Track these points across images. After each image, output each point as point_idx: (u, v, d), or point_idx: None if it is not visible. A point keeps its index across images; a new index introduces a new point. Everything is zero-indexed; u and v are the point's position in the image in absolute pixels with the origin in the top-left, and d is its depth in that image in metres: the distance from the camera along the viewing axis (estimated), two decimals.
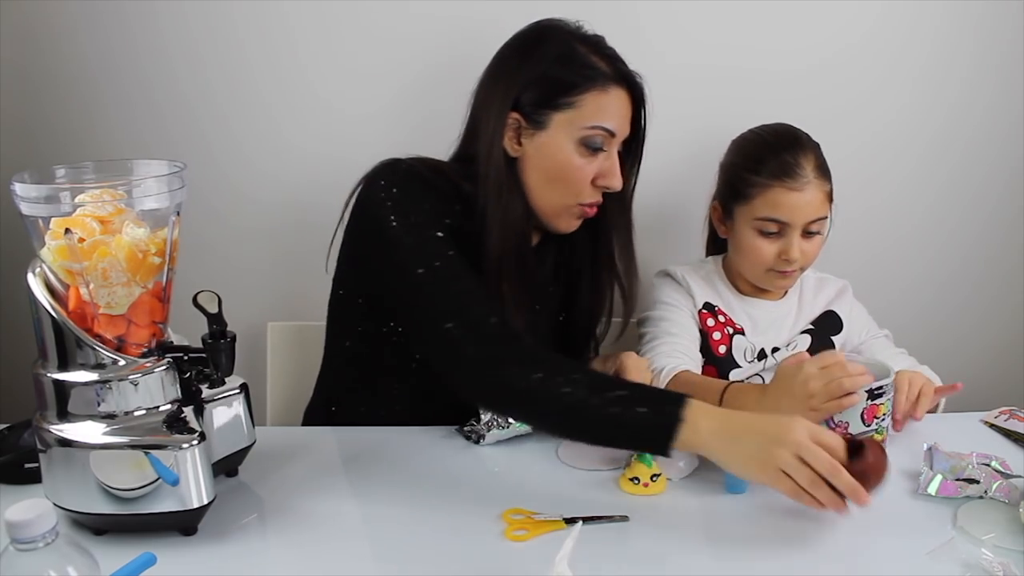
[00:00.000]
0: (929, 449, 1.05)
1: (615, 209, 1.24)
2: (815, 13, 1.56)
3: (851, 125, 1.62)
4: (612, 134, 1.14)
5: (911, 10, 1.56)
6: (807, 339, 1.38)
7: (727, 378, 1.34)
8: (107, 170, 0.98)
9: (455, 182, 1.16)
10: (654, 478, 1.03)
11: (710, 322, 1.37)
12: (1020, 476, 1.02)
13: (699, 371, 1.33)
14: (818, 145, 1.32)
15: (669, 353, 1.29)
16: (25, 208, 0.90)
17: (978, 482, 1.00)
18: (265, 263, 1.65)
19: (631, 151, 1.22)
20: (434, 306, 1.03)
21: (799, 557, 0.93)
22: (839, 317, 1.40)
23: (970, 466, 1.02)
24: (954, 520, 0.97)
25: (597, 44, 1.16)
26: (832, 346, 1.39)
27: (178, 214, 0.96)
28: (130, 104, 1.58)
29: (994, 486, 0.99)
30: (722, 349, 1.37)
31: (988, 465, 1.02)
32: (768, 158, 1.30)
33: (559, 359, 1.00)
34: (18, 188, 0.89)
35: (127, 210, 0.92)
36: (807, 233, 1.30)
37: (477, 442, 1.15)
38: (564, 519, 0.97)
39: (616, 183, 1.17)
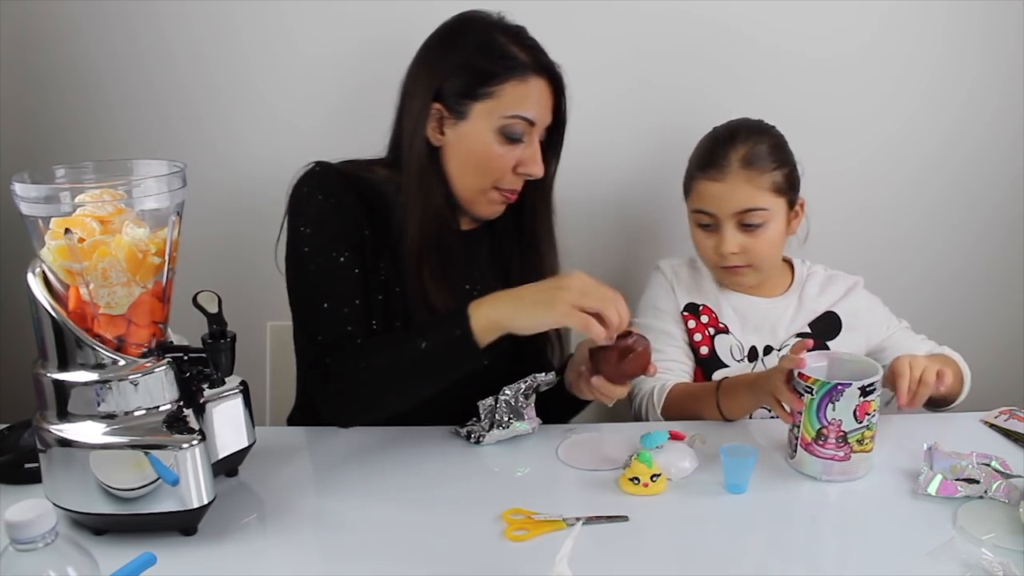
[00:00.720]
0: (929, 449, 1.05)
1: (536, 196, 1.27)
2: (827, 14, 1.56)
3: (854, 128, 1.62)
4: (532, 123, 1.17)
5: (919, 11, 1.56)
6: None
7: (711, 379, 1.35)
8: (107, 170, 0.98)
9: (374, 184, 1.20)
10: (654, 478, 1.03)
11: (691, 324, 1.38)
12: (1020, 476, 1.02)
13: (691, 374, 1.35)
14: (767, 136, 1.30)
15: (659, 369, 1.30)
16: (25, 208, 0.90)
17: (978, 482, 1.00)
18: (265, 263, 1.65)
19: (553, 139, 1.24)
20: (299, 319, 1.17)
21: (799, 557, 0.93)
22: (839, 320, 1.38)
23: (970, 466, 1.02)
24: (954, 520, 0.97)
25: (517, 34, 1.18)
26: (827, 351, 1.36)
27: (178, 214, 0.96)
28: (130, 104, 1.58)
29: (994, 486, 0.99)
30: (704, 350, 1.37)
31: (988, 465, 1.02)
32: (701, 152, 1.33)
33: (371, 341, 1.13)
34: (18, 188, 0.89)
35: (127, 210, 0.92)
36: (745, 226, 1.29)
37: (477, 442, 1.15)
38: (564, 519, 0.97)
39: (537, 170, 1.19)
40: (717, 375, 1.35)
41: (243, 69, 1.56)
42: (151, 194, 0.92)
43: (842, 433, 1.02)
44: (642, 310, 1.42)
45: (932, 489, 1.01)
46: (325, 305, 1.15)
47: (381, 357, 1.09)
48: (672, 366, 1.34)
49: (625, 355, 1.05)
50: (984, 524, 0.95)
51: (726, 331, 1.37)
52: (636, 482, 1.03)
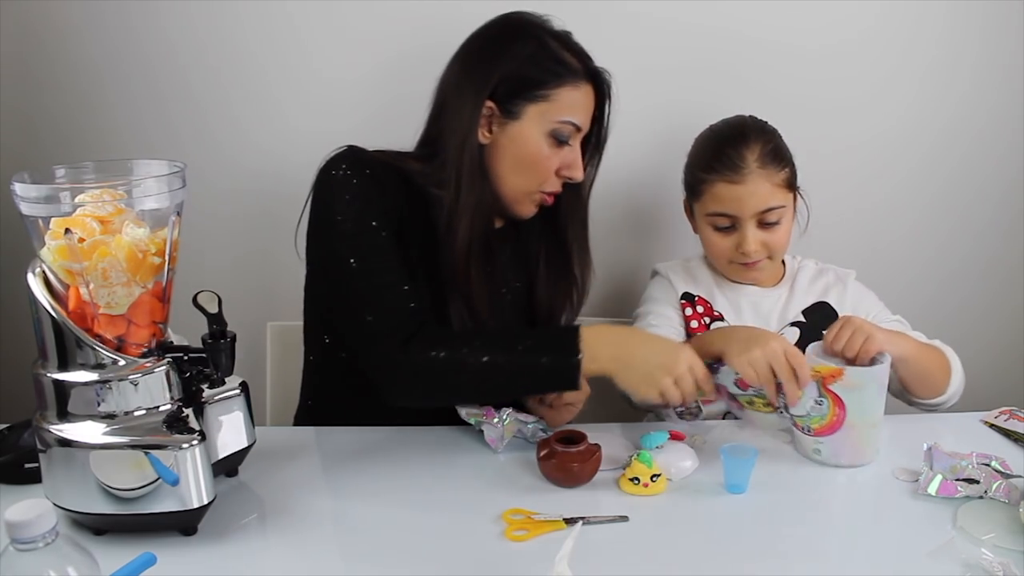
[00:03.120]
0: (929, 449, 1.05)
1: (572, 203, 1.28)
2: (824, 11, 1.56)
3: (852, 122, 1.62)
4: (578, 128, 1.19)
5: (915, 6, 1.56)
6: (795, 332, 1.36)
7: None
8: (107, 170, 0.98)
9: (409, 175, 1.19)
10: (654, 478, 1.03)
11: (687, 311, 1.38)
12: (1020, 476, 1.02)
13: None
14: (772, 134, 1.31)
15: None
16: (25, 208, 0.90)
17: (978, 482, 1.00)
18: (265, 263, 1.65)
19: (592, 145, 1.26)
20: (358, 298, 1.10)
21: (799, 557, 0.93)
22: (832, 310, 1.37)
23: (970, 466, 1.02)
24: (954, 520, 0.97)
25: (566, 40, 1.20)
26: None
27: (178, 214, 0.96)
28: (130, 104, 1.58)
29: (994, 486, 0.99)
30: None
31: (988, 465, 1.02)
32: (711, 153, 1.32)
33: (459, 332, 1.14)
34: (18, 188, 0.89)
35: (127, 210, 0.92)
36: (765, 224, 1.29)
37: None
38: (564, 519, 0.97)
39: (578, 174, 1.21)
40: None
41: (244, 69, 1.56)
42: (151, 194, 0.92)
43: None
44: (642, 303, 1.44)
45: (932, 489, 1.01)
46: (390, 278, 1.11)
47: (482, 351, 1.05)
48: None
49: (583, 459, 1.05)
50: (984, 524, 0.95)
51: (721, 319, 1.38)
52: (636, 482, 1.03)
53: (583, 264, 1.32)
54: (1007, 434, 1.19)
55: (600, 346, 1.06)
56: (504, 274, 1.29)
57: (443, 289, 1.18)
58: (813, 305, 1.38)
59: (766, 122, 1.34)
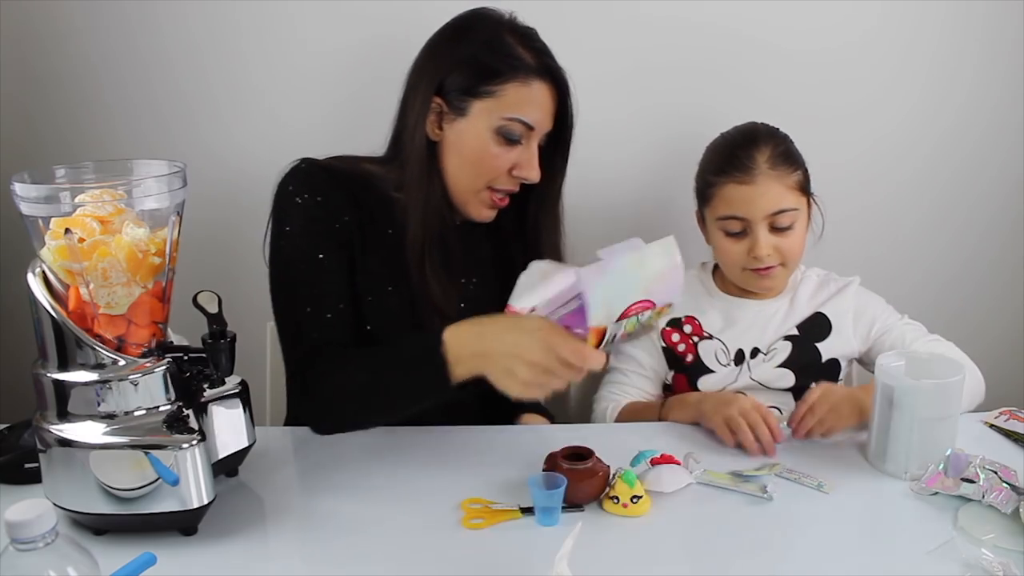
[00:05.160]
0: (951, 454, 1.04)
1: (541, 208, 1.26)
2: (825, 12, 1.56)
3: (853, 125, 1.62)
4: (530, 127, 1.15)
5: (916, 8, 1.56)
6: (788, 346, 1.35)
7: (696, 385, 1.36)
8: (107, 170, 0.98)
9: (364, 180, 1.19)
10: (635, 499, 0.99)
11: (674, 337, 1.39)
12: (1018, 487, 1.01)
13: (655, 391, 1.40)
14: (783, 139, 1.31)
15: (617, 392, 1.39)
16: (25, 208, 0.90)
17: (974, 482, 1.00)
18: (265, 263, 1.65)
19: (558, 147, 1.22)
20: (279, 325, 1.17)
21: (799, 557, 0.93)
22: (828, 321, 1.36)
23: (972, 465, 1.02)
24: (954, 520, 0.97)
25: (526, 36, 1.17)
26: (816, 353, 1.35)
27: (178, 214, 0.96)
28: (130, 104, 1.58)
29: (993, 494, 0.99)
30: (689, 358, 1.37)
31: (994, 472, 1.01)
32: (721, 157, 1.32)
33: (342, 356, 1.11)
34: (18, 188, 0.89)
35: (127, 210, 0.92)
36: (776, 228, 1.28)
37: None
38: (520, 508, 0.99)
39: (532, 175, 1.18)
40: (701, 381, 1.36)
41: (243, 69, 1.56)
42: (151, 194, 0.92)
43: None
44: None
45: (927, 480, 1.02)
46: (308, 309, 1.14)
47: (358, 374, 1.08)
48: (632, 391, 1.39)
49: (584, 478, 1.00)
50: (984, 524, 0.95)
51: (710, 338, 1.37)
52: (616, 501, 1.00)
53: None
54: (1007, 435, 1.19)
55: (461, 347, 1.00)
56: (474, 268, 1.27)
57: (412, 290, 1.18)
58: (808, 317, 1.37)
59: (777, 128, 1.34)
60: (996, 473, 1.01)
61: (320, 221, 1.15)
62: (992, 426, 1.22)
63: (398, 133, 1.22)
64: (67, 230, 0.88)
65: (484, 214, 1.22)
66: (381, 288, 1.19)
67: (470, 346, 1.00)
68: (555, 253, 1.28)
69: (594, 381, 1.49)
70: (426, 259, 1.16)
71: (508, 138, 1.15)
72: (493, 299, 1.29)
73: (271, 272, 1.19)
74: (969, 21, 1.57)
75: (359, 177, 1.20)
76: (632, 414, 1.34)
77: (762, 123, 1.34)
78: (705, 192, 1.34)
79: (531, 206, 1.25)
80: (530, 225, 1.27)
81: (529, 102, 1.14)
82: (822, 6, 1.56)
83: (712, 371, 1.36)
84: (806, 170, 1.32)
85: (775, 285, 1.36)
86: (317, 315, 1.14)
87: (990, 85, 1.61)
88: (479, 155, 1.16)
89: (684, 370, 1.38)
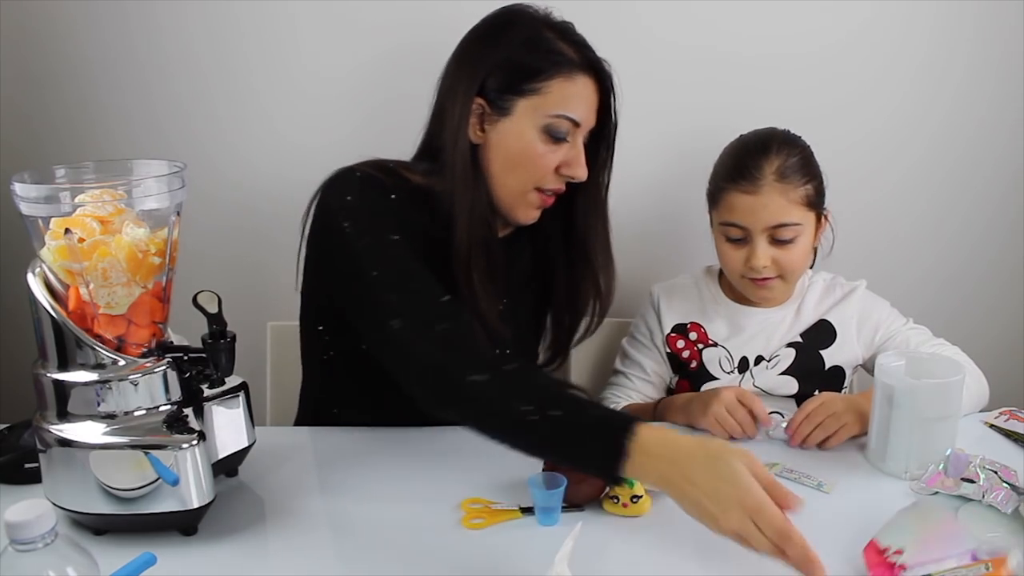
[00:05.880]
0: (951, 453, 1.05)
1: (589, 207, 1.22)
2: (815, 12, 1.56)
3: (847, 123, 1.62)
4: (576, 124, 1.13)
5: (908, 7, 1.56)
6: (791, 353, 1.34)
7: (699, 390, 1.35)
8: (107, 170, 0.98)
9: (412, 185, 1.14)
10: (635, 499, 0.99)
11: (679, 344, 1.39)
12: (1019, 487, 1.01)
13: (659, 396, 1.40)
14: (799, 149, 1.29)
15: (619, 395, 1.40)
16: (25, 208, 0.90)
17: (974, 482, 1.00)
18: (265, 263, 1.65)
19: (603, 143, 1.19)
20: (385, 305, 1.00)
21: None
22: (832, 328, 1.35)
23: (971, 465, 1.02)
24: (955, 520, 0.97)
25: (565, 30, 1.14)
26: (820, 361, 1.34)
27: (178, 214, 0.96)
28: (130, 104, 1.58)
29: (993, 494, 0.99)
30: (693, 364, 1.37)
31: (995, 472, 1.01)
32: (731, 162, 1.30)
33: (506, 363, 0.95)
34: (18, 188, 0.89)
35: (127, 210, 0.92)
36: (777, 241, 1.27)
37: None
38: (520, 508, 0.99)
39: (580, 173, 1.15)
40: (704, 388, 1.35)
41: (243, 69, 1.56)
42: (151, 194, 0.92)
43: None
44: (628, 334, 1.46)
45: (927, 480, 1.02)
46: (413, 284, 1.02)
47: (513, 398, 0.91)
48: (633, 395, 1.39)
49: (584, 478, 0.99)
50: (985, 524, 0.95)
51: (715, 345, 1.37)
52: (616, 501, 1.00)
53: (607, 269, 1.26)
54: (1008, 434, 1.19)
55: (650, 460, 0.85)
56: (514, 282, 1.24)
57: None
58: (813, 324, 1.36)
59: (798, 137, 1.32)
60: (996, 473, 1.01)
61: (382, 209, 1.09)
62: (992, 426, 1.22)
63: (431, 138, 1.17)
64: (67, 230, 0.88)
65: (531, 215, 1.18)
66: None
67: (662, 464, 0.85)
68: (606, 253, 1.25)
69: (599, 383, 1.49)
70: (473, 267, 1.12)
71: (555, 136, 1.12)
72: (528, 318, 1.29)
73: (347, 268, 1.05)
74: (962, 14, 1.56)
75: (406, 188, 1.14)
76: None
77: (783, 130, 1.32)
78: (714, 195, 1.33)
79: (578, 208, 1.22)
80: (579, 229, 1.23)
81: (575, 97, 1.12)
82: (812, 5, 1.56)
83: (716, 378, 1.36)
84: (820, 183, 1.30)
85: (773, 296, 1.35)
86: (425, 290, 1.01)
87: (983, 81, 1.60)
88: (525, 155, 1.12)
89: (688, 376, 1.38)
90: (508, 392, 0.92)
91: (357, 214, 1.07)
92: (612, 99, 1.17)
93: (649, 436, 0.85)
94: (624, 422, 0.87)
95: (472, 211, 1.12)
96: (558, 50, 1.11)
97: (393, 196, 1.12)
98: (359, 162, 1.15)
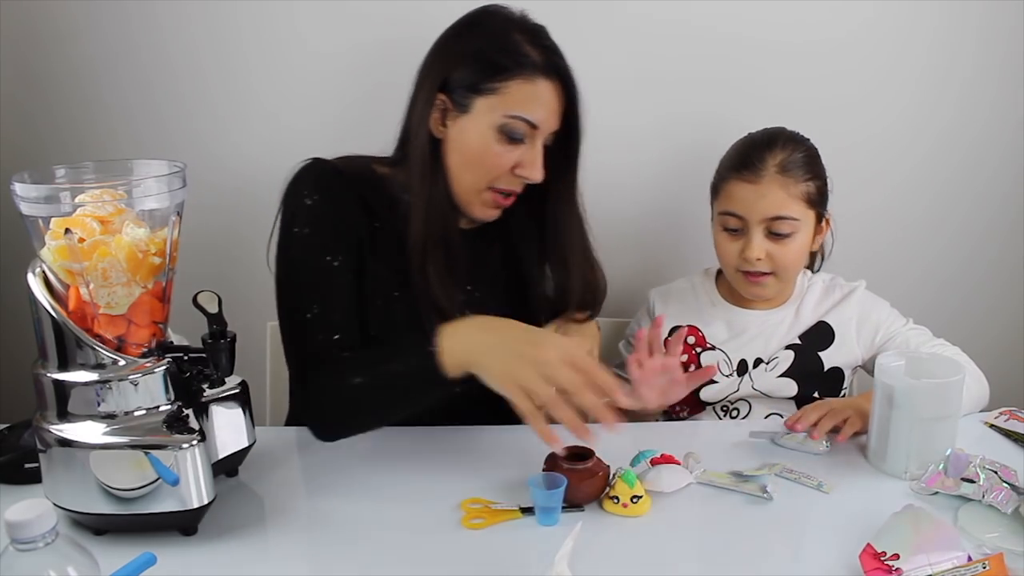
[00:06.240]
0: (951, 453, 1.05)
1: (561, 207, 1.24)
2: (818, 10, 1.56)
3: (850, 125, 1.62)
4: (534, 126, 1.13)
5: (910, 9, 1.56)
6: (790, 355, 1.34)
7: (698, 394, 1.35)
8: (107, 170, 0.98)
9: (376, 176, 1.19)
10: (635, 499, 0.99)
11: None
12: (1019, 487, 1.01)
13: None
14: (805, 148, 1.29)
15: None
16: (25, 208, 0.90)
17: (974, 482, 1.00)
18: (265, 263, 1.65)
19: (567, 147, 1.20)
20: (285, 326, 1.15)
21: (800, 556, 0.93)
22: (831, 329, 1.35)
23: (971, 465, 1.02)
24: (955, 520, 0.97)
25: (534, 33, 1.15)
26: (819, 362, 1.34)
27: (178, 214, 0.96)
28: (131, 104, 1.58)
29: (993, 494, 0.99)
30: (692, 368, 1.37)
31: (995, 472, 1.02)
32: (736, 154, 1.31)
33: (342, 358, 1.09)
34: (18, 188, 0.89)
35: (127, 210, 0.92)
36: (774, 234, 1.27)
37: None
38: (520, 508, 0.99)
39: (535, 175, 1.16)
40: (703, 391, 1.35)
41: (243, 69, 1.56)
42: (151, 194, 0.92)
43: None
44: (624, 336, 1.46)
45: (927, 480, 1.02)
46: (313, 312, 1.12)
47: (355, 377, 1.05)
48: None
49: (584, 478, 1.00)
50: (985, 524, 0.95)
51: (713, 348, 1.37)
52: (616, 501, 1.00)
53: (587, 269, 1.27)
54: (1007, 434, 1.19)
55: (457, 339, 0.98)
56: (482, 274, 1.26)
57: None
58: (811, 326, 1.36)
59: (805, 138, 1.32)
60: (996, 473, 1.01)
61: (329, 223, 1.14)
62: (992, 426, 1.22)
63: (405, 132, 1.21)
64: (67, 230, 0.88)
65: (488, 213, 1.20)
66: (388, 292, 1.18)
67: (468, 339, 0.98)
68: (585, 253, 1.26)
69: None
70: (428, 260, 1.15)
71: (511, 136, 1.13)
72: (500, 308, 1.27)
73: (277, 272, 1.17)
74: (965, 17, 1.56)
75: (369, 178, 1.19)
76: None
77: (791, 130, 1.33)
78: (716, 186, 1.34)
79: (548, 206, 1.23)
80: (550, 225, 1.24)
81: (533, 100, 1.13)
82: (817, 4, 1.56)
83: (715, 381, 1.35)
84: (823, 185, 1.30)
85: (765, 294, 1.35)
86: (322, 319, 1.12)
87: (986, 82, 1.61)
88: (482, 153, 1.14)
89: None
90: (343, 386, 1.05)
91: (305, 218, 1.14)
92: (576, 104, 1.17)
93: (453, 324, 1.00)
94: (429, 330, 0.99)
95: (429, 204, 1.15)
96: (522, 52, 1.12)
97: (346, 199, 1.16)
98: (322, 159, 1.19)
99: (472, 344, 0.98)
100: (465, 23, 1.17)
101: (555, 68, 1.14)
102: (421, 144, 1.15)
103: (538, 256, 1.29)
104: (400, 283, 1.17)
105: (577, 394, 0.90)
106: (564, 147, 1.20)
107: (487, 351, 0.96)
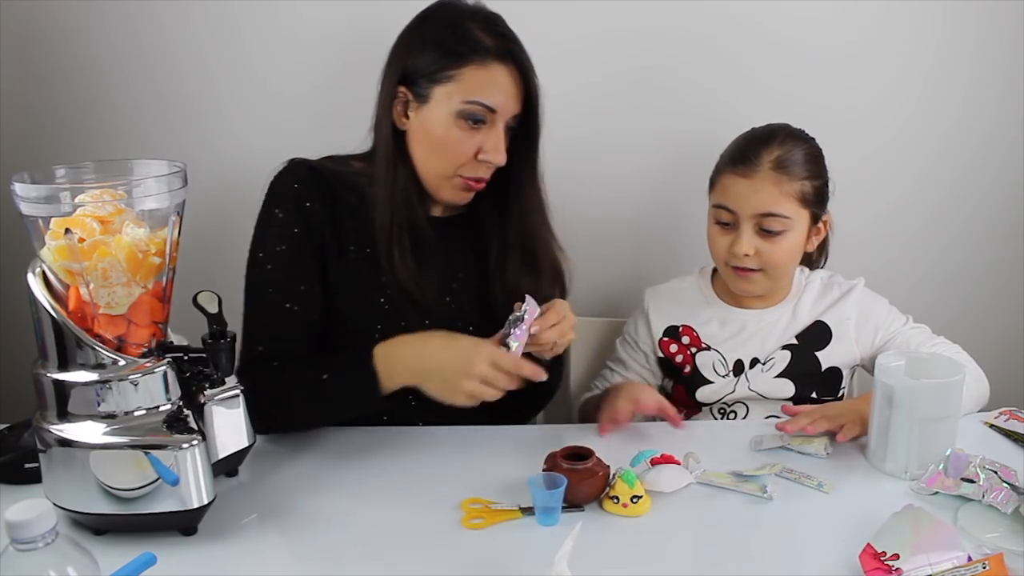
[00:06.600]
0: (951, 453, 1.05)
1: (520, 188, 1.24)
2: (819, 16, 1.56)
3: (853, 129, 1.62)
4: (492, 110, 1.15)
5: (912, 11, 1.56)
6: (786, 356, 1.33)
7: (694, 395, 1.36)
8: (107, 170, 0.98)
9: (350, 170, 1.22)
10: (635, 499, 0.99)
11: (672, 348, 1.38)
12: (1019, 487, 1.01)
13: None
14: (805, 145, 1.29)
15: (601, 386, 1.42)
16: (25, 208, 0.90)
17: (974, 482, 1.00)
18: None
19: (526, 129, 1.21)
20: (245, 320, 1.18)
21: (800, 556, 0.93)
22: (828, 329, 1.34)
23: (971, 465, 1.02)
24: (955, 520, 0.97)
25: (488, 21, 1.17)
26: (816, 362, 1.33)
27: (178, 214, 0.96)
28: (130, 104, 1.58)
29: (993, 494, 0.99)
30: (687, 369, 1.37)
31: (994, 472, 1.02)
32: (735, 147, 1.31)
33: (283, 366, 1.15)
34: (18, 188, 0.89)
35: (127, 210, 0.92)
36: (764, 231, 1.26)
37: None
38: (520, 508, 0.99)
39: (498, 158, 1.17)
40: (699, 392, 1.35)
41: (244, 68, 1.56)
42: (151, 194, 0.92)
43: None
44: (620, 333, 1.47)
45: (927, 480, 1.02)
46: (267, 319, 1.17)
47: (295, 388, 1.13)
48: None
49: (584, 478, 1.00)
50: (985, 524, 0.95)
51: (708, 349, 1.36)
52: (616, 501, 1.00)
53: (549, 254, 1.27)
54: (1007, 434, 1.19)
55: (395, 362, 1.09)
56: (454, 260, 1.27)
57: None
58: (808, 326, 1.35)
59: (811, 137, 1.32)
60: (996, 473, 1.01)
61: (293, 237, 1.17)
62: (992, 426, 1.22)
63: (374, 127, 1.23)
64: (67, 230, 0.88)
65: (460, 196, 1.22)
66: (362, 285, 1.19)
67: (406, 361, 1.09)
68: (547, 236, 1.27)
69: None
70: (394, 247, 1.17)
71: (470, 121, 1.14)
72: (478, 293, 1.29)
73: (246, 268, 1.21)
74: (968, 22, 1.56)
75: (344, 176, 1.21)
76: (588, 409, 1.37)
77: (795, 127, 1.32)
78: (713, 179, 1.34)
79: (511, 188, 1.24)
80: (511, 209, 1.25)
81: (490, 85, 1.14)
82: (819, 8, 1.56)
83: (710, 382, 1.35)
84: (821, 185, 1.29)
85: (755, 291, 1.33)
86: (275, 326, 1.17)
87: (991, 85, 1.61)
88: (444, 141, 1.16)
89: (682, 381, 1.38)
90: (283, 390, 1.13)
91: (270, 220, 1.19)
92: (533, 87, 1.18)
93: (386, 350, 1.10)
94: (363, 352, 1.10)
95: (393, 194, 1.17)
96: (475, 38, 1.14)
97: (315, 195, 1.19)
98: (300, 160, 1.22)
99: (408, 372, 1.09)
100: (422, 16, 1.20)
101: (508, 52, 1.15)
102: (385, 136, 1.18)
103: (502, 240, 1.28)
104: (373, 275, 1.19)
105: (508, 387, 1.06)
106: (525, 130, 1.21)
107: (426, 378, 1.08)
